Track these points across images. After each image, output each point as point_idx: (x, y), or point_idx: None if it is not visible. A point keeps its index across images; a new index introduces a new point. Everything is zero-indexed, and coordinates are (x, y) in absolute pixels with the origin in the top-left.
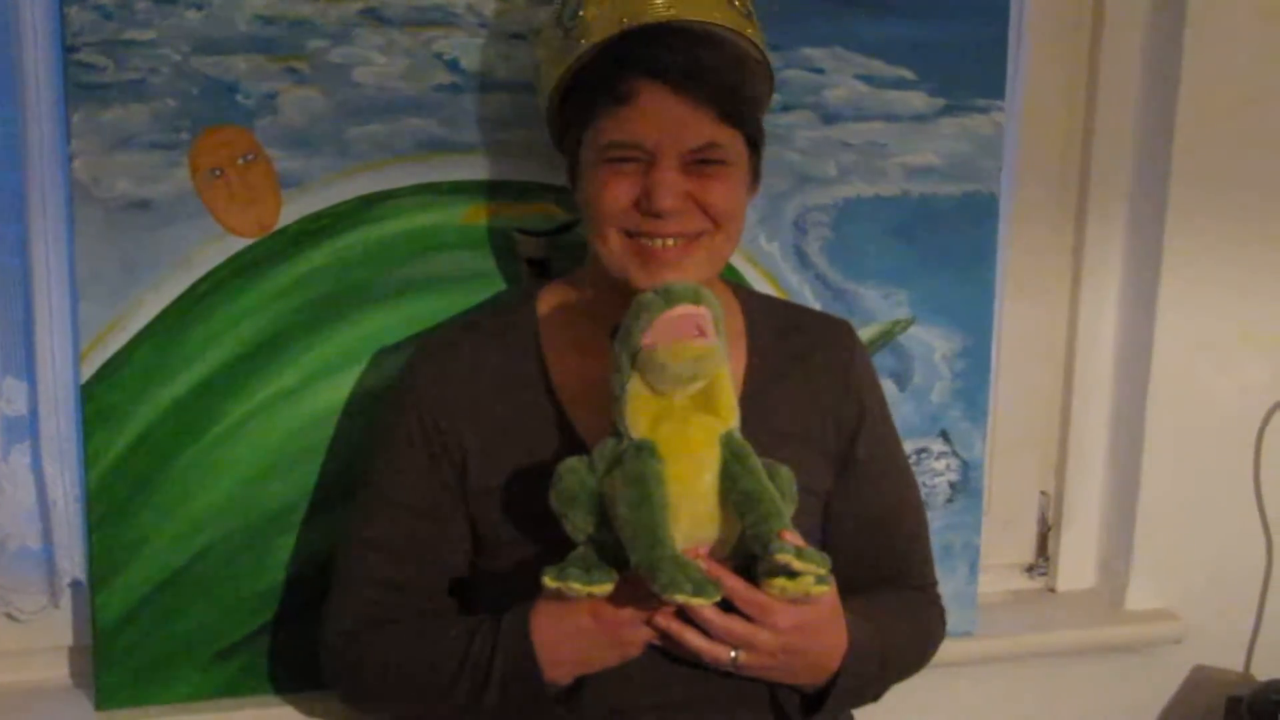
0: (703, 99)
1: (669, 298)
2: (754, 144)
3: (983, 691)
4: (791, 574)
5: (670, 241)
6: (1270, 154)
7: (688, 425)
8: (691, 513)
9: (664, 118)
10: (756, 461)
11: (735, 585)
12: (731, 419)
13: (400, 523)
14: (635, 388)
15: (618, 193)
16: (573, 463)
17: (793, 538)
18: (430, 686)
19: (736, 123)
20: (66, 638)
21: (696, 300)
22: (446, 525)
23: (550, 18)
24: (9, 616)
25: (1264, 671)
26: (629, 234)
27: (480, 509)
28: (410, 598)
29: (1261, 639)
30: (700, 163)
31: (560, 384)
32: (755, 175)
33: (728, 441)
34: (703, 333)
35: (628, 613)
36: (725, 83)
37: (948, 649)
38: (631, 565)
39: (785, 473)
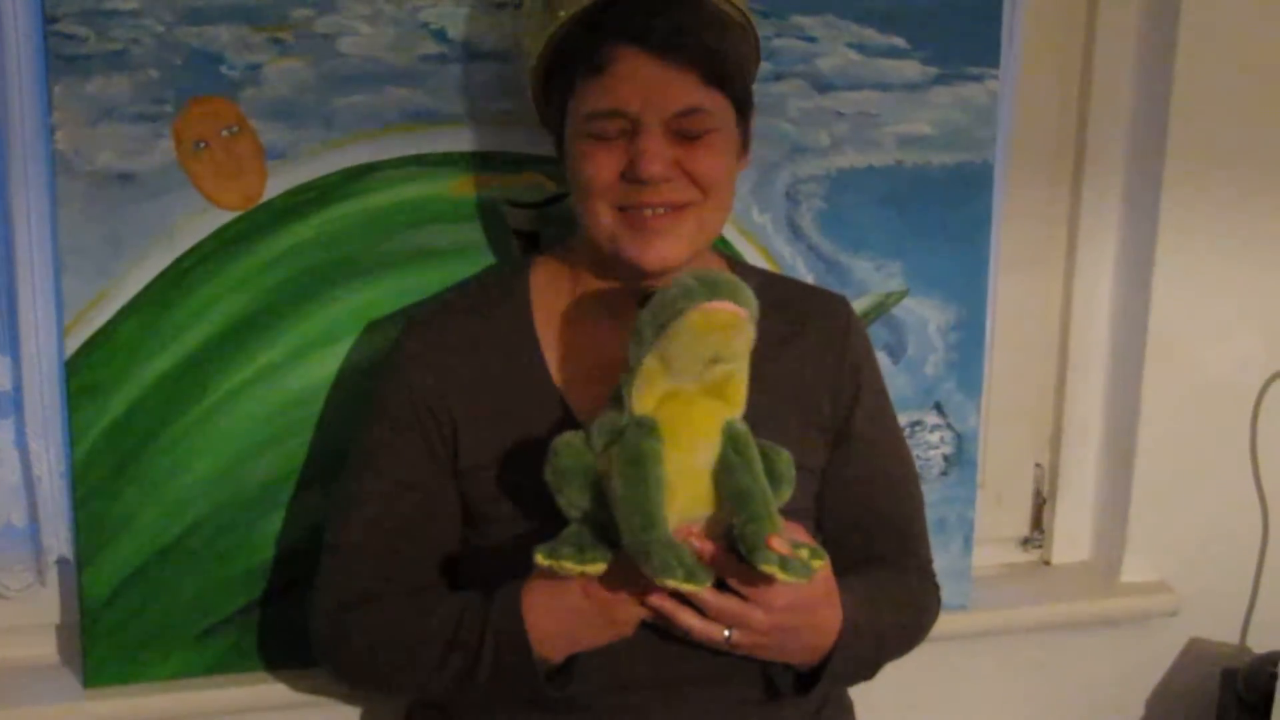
0: (683, 62)
1: (714, 290)
2: (742, 111)
3: (977, 665)
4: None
5: (660, 210)
6: (1267, 125)
7: (693, 407)
8: (688, 491)
9: (644, 83)
10: (755, 453)
11: (729, 564)
12: (739, 408)
13: (389, 499)
14: (652, 363)
15: (603, 165)
16: (569, 438)
17: (779, 545)
18: (420, 664)
19: (721, 85)
20: (54, 615)
21: (737, 299)
22: (437, 501)
23: None
24: None
25: (1259, 644)
26: (620, 208)
27: (472, 485)
28: (400, 574)
29: (1257, 612)
30: (686, 129)
31: (553, 358)
32: (744, 144)
33: (729, 429)
34: None
35: (621, 592)
36: (706, 44)
37: (942, 623)
38: (623, 545)
39: (785, 456)
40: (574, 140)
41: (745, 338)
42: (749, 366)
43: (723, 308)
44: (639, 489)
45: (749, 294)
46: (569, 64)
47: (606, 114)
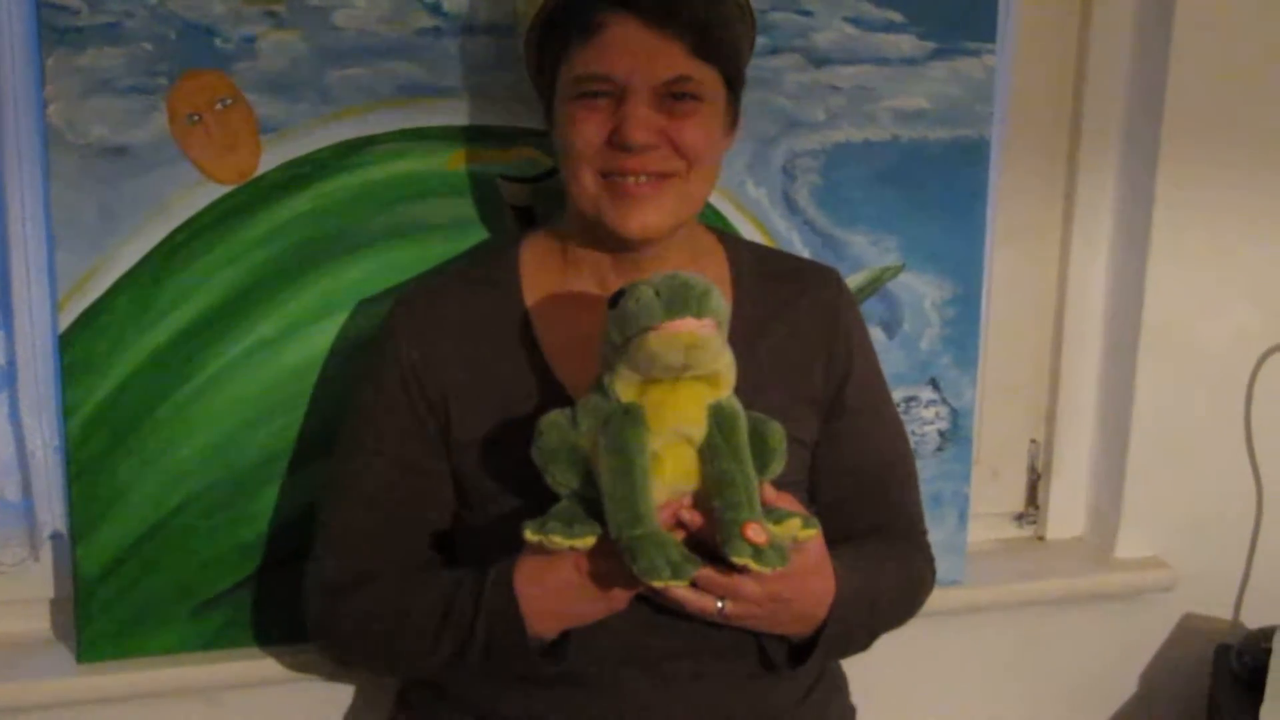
0: (673, 32)
1: (672, 305)
2: (732, 87)
3: (971, 640)
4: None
5: (642, 179)
6: (1263, 99)
7: (678, 392)
8: (676, 466)
9: (633, 49)
10: (742, 435)
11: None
12: (725, 389)
13: (382, 475)
14: (624, 368)
15: (589, 129)
16: (554, 417)
17: (755, 533)
18: (414, 641)
19: (710, 58)
20: (48, 590)
21: (701, 312)
22: (429, 478)
23: None
24: None
25: (1253, 619)
26: (603, 174)
27: (463, 461)
28: (392, 551)
29: (1251, 587)
30: (674, 99)
31: (543, 334)
32: (733, 120)
33: (715, 410)
34: None
35: (612, 565)
36: (697, 16)
37: (936, 598)
38: (611, 538)
39: (776, 429)
40: (563, 104)
41: (710, 349)
42: (735, 344)
43: (680, 329)
44: (625, 482)
45: (715, 299)
46: (562, 27)
47: (594, 78)
